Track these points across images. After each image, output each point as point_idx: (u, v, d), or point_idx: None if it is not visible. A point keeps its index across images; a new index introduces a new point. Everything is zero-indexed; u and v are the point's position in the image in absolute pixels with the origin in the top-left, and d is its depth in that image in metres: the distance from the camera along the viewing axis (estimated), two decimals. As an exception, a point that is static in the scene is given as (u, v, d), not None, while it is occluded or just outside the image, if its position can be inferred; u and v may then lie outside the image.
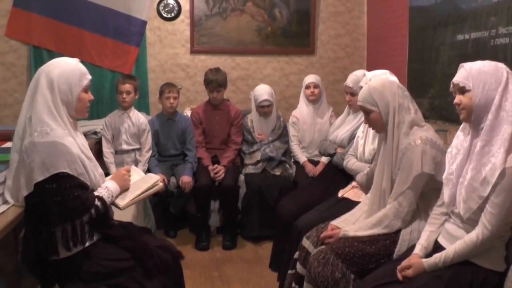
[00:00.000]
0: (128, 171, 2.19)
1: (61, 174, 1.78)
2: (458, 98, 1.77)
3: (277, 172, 3.80)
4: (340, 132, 3.19)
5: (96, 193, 1.94)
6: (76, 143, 1.89)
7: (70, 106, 1.91)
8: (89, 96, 2.00)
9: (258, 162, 3.80)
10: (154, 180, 2.20)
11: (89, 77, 1.99)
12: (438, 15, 3.42)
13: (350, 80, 3.03)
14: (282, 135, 3.96)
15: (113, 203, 2.05)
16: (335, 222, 2.31)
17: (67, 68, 1.91)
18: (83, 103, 1.97)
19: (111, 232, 2.00)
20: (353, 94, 2.97)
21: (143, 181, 2.21)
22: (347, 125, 3.17)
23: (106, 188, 2.00)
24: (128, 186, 2.13)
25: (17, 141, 1.89)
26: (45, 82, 1.85)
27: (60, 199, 1.79)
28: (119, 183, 2.07)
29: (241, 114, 3.97)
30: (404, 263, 1.84)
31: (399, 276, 1.80)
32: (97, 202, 1.91)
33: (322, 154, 3.45)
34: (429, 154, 2.01)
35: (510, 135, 1.63)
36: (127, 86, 3.54)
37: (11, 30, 4.29)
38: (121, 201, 2.06)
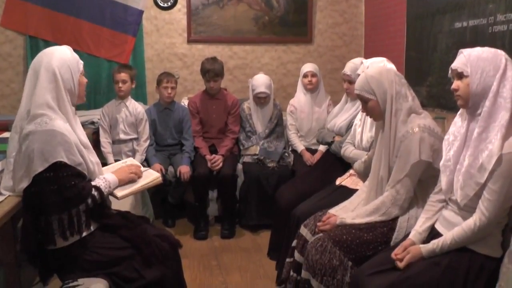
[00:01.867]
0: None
1: (59, 163, 1.78)
2: (456, 84, 1.76)
3: (271, 164, 3.73)
4: (338, 120, 3.18)
5: (93, 183, 1.94)
6: (74, 132, 1.89)
7: (73, 94, 1.94)
8: (85, 79, 2.04)
9: (255, 155, 3.80)
10: (154, 177, 2.21)
11: (82, 61, 2.02)
12: (436, 2, 3.39)
13: (348, 68, 3.03)
14: (278, 124, 3.95)
15: (111, 193, 2.05)
16: (333, 210, 2.31)
17: (65, 57, 1.93)
18: (83, 87, 2.01)
19: (109, 221, 2.01)
20: (351, 82, 2.95)
21: (143, 177, 2.21)
22: (345, 113, 3.16)
23: (104, 178, 1.99)
24: (127, 180, 2.11)
25: (15, 135, 1.89)
26: (46, 74, 1.86)
27: (56, 188, 1.79)
28: (119, 176, 2.07)
29: (238, 103, 3.95)
30: (399, 249, 1.84)
31: (398, 264, 1.80)
32: (94, 192, 1.90)
33: (320, 142, 3.45)
34: (427, 142, 2.01)
35: (507, 121, 1.63)
36: (123, 75, 3.53)
37: (6, 20, 4.25)
38: (119, 192, 2.06)
